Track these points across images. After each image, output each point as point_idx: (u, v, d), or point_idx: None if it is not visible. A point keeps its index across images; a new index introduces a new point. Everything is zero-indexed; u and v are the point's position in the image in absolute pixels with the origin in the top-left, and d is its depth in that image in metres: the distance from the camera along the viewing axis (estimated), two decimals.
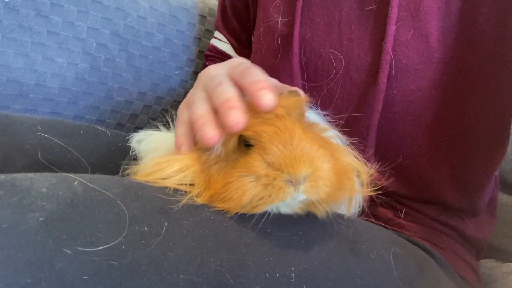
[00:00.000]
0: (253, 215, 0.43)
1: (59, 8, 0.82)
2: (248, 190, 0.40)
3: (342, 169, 0.45)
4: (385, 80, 0.63)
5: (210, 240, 0.39)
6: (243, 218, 0.42)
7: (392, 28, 0.63)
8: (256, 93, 0.42)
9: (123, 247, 0.35)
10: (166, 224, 0.38)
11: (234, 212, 0.42)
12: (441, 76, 0.64)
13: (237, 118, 0.41)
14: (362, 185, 0.49)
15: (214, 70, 0.50)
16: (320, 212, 0.45)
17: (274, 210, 0.44)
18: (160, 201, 0.40)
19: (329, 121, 0.57)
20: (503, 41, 0.61)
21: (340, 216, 0.50)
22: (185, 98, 0.52)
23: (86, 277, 0.33)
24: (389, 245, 0.54)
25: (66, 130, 0.53)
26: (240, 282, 0.38)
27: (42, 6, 0.79)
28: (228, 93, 0.43)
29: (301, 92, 0.50)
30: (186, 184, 0.43)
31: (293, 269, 0.41)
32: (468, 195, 0.69)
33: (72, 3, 0.83)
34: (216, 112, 0.44)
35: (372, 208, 0.70)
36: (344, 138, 0.56)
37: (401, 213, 0.71)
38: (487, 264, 0.92)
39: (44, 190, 0.36)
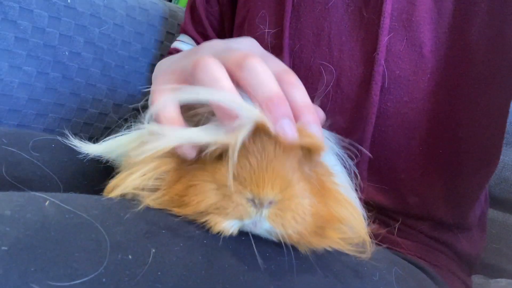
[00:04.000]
0: (248, 236, 0.39)
1: (28, 13, 0.76)
2: (207, 198, 0.36)
3: (328, 216, 0.40)
4: (378, 93, 0.61)
5: (204, 268, 0.34)
6: (239, 241, 0.38)
7: (384, 39, 0.61)
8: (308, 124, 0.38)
9: (104, 279, 0.29)
10: (154, 250, 0.33)
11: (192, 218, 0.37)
12: (434, 87, 0.62)
13: (292, 132, 0.36)
14: (354, 242, 0.44)
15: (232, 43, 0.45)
16: (303, 248, 0.40)
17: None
18: (146, 223, 0.35)
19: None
20: (497, 53, 0.60)
21: None
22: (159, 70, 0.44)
23: None
24: (390, 265, 0.51)
25: (36, 143, 0.47)
26: None
27: (10, 10, 0.74)
28: (274, 88, 0.37)
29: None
30: (144, 189, 0.39)
31: None
32: (460, 209, 0.68)
33: (43, 8, 0.78)
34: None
35: None
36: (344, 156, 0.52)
37: (395, 230, 0.68)
38: (476, 280, 0.91)
39: (8, 212, 0.30)
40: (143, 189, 0.39)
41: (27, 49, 0.77)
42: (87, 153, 0.46)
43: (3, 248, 0.28)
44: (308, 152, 0.41)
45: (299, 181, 0.38)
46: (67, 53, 0.82)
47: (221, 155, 0.39)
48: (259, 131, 0.37)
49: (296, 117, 0.39)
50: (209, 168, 0.38)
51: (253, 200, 0.36)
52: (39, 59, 0.79)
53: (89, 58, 0.85)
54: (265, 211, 0.36)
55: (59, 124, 0.85)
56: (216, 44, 0.47)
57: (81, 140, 0.46)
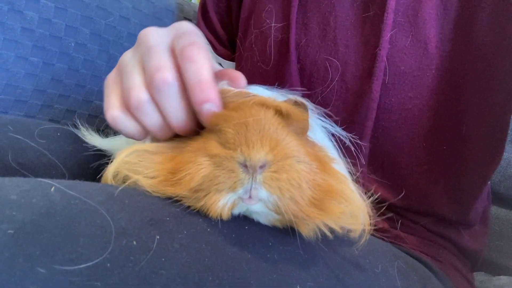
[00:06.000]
0: (251, 225, 0.39)
1: (35, 3, 0.76)
2: (200, 170, 0.35)
3: (327, 187, 0.38)
4: (378, 88, 0.61)
5: (208, 255, 0.34)
6: (242, 230, 0.38)
7: (387, 34, 0.61)
8: (199, 106, 0.38)
9: (109, 264, 0.30)
10: (158, 237, 0.33)
11: (186, 201, 0.36)
12: (439, 84, 0.62)
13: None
14: (355, 217, 0.41)
15: (155, 38, 0.43)
16: (305, 230, 0.38)
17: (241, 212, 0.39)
18: (150, 210, 0.35)
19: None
20: (501, 50, 0.60)
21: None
22: (119, 62, 0.45)
23: None
24: (392, 259, 0.51)
25: (41, 131, 0.47)
26: None
27: (17, 1, 0.74)
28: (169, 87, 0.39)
29: (308, 105, 0.43)
30: (137, 172, 0.38)
31: (298, 287, 0.37)
32: (463, 205, 0.68)
33: None
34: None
35: None
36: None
37: (398, 224, 0.68)
38: (478, 277, 0.90)
39: (14, 197, 0.30)
40: (131, 170, 0.38)
41: (33, 39, 0.77)
42: (95, 146, 0.46)
43: (9, 231, 0.28)
44: (300, 129, 0.40)
45: (292, 142, 0.36)
46: (73, 44, 0.82)
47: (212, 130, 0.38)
48: (247, 102, 0.37)
49: (190, 95, 0.39)
50: (199, 143, 0.37)
51: (244, 165, 0.35)
52: (45, 50, 0.79)
53: (95, 50, 0.86)
54: (259, 176, 0.35)
55: (64, 116, 0.86)
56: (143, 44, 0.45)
57: (88, 131, 0.47)
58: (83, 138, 0.45)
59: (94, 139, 0.46)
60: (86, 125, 0.90)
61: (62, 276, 0.28)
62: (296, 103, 0.41)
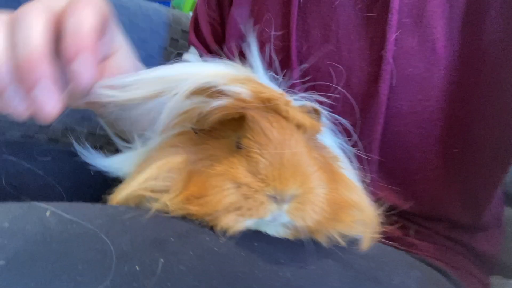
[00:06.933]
0: (261, 242, 0.37)
1: None
2: (226, 196, 0.35)
3: (341, 201, 0.40)
4: (386, 92, 0.60)
5: (216, 277, 0.32)
6: (252, 248, 0.36)
7: (392, 36, 0.60)
8: (71, 63, 0.34)
9: None
10: (162, 260, 0.31)
11: (208, 219, 0.36)
12: (448, 84, 0.60)
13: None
14: (366, 225, 0.43)
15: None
16: (320, 238, 0.39)
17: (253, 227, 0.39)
18: (152, 230, 0.34)
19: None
20: (510, 48, 0.58)
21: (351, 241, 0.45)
22: None
23: None
24: (408, 269, 0.50)
25: (37, 152, 0.45)
26: None
27: (11, 4, 0.73)
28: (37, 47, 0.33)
29: (321, 111, 0.44)
30: (158, 192, 0.37)
31: None
32: (476, 209, 0.66)
33: None
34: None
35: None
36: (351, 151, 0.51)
37: (411, 231, 0.66)
38: (494, 281, 0.88)
39: (6, 224, 0.29)
40: (152, 191, 0.37)
41: None
42: (94, 166, 0.44)
43: (0, 262, 0.26)
44: (307, 132, 0.41)
45: (316, 171, 0.37)
46: None
47: (226, 147, 0.38)
48: (264, 120, 0.36)
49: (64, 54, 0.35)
50: (220, 166, 0.36)
51: (274, 197, 0.35)
52: None
53: None
54: (285, 206, 0.35)
55: (63, 134, 0.84)
56: None
57: (86, 150, 0.45)
58: (79, 157, 0.44)
59: (93, 160, 0.45)
60: (85, 143, 0.88)
61: None
62: (310, 110, 0.42)
